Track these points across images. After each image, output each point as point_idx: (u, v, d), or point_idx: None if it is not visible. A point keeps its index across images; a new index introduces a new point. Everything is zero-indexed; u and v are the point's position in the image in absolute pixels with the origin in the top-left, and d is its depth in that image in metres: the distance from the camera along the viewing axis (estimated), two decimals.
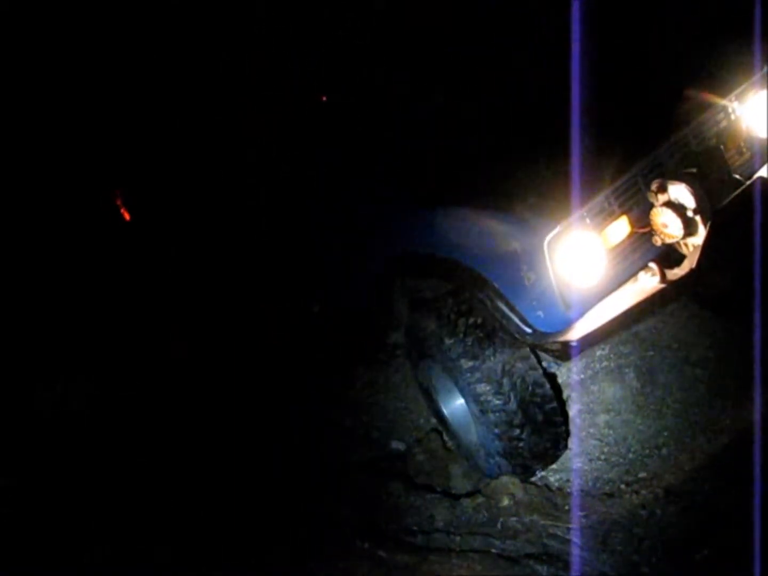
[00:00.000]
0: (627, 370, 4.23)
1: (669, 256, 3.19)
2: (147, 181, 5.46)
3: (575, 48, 3.43)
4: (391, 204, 3.66)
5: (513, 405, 3.42)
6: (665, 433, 3.76)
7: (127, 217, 5.60)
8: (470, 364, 3.42)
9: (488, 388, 3.41)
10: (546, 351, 3.29)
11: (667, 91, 3.43)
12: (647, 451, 3.71)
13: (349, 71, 4.10)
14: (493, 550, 3.34)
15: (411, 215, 3.52)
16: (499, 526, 3.50)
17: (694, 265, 3.09)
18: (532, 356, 3.47)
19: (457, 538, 3.47)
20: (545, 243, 3.01)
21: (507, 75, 3.82)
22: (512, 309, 3.19)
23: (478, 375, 3.41)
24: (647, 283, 3.18)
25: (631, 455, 3.73)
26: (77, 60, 5.50)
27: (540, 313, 3.13)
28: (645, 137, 3.29)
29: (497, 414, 3.44)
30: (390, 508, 3.79)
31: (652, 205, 3.11)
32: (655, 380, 4.11)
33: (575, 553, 3.23)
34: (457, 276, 3.38)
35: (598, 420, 4.00)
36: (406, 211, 3.56)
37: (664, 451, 3.68)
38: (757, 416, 3.57)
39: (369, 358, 4.81)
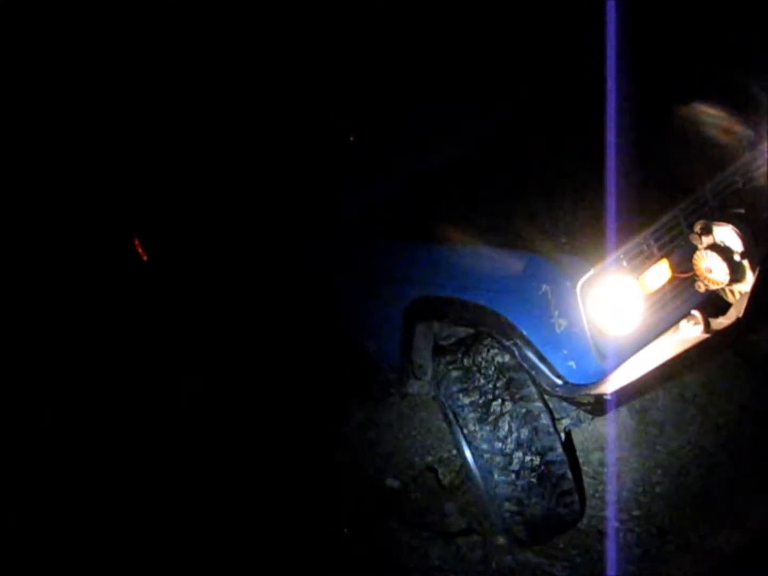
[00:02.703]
0: (620, 408, 4.00)
1: (713, 303, 2.94)
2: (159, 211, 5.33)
3: (612, 71, 3.23)
4: (412, 243, 3.44)
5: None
6: (659, 471, 3.70)
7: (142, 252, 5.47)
8: (514, 508, 3.18)
9: (522, 528, 3.24)
10: (578, 405, 3.03)
11: (713, 124, 3.21)
12: (641, 489, 3.64)
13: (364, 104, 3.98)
14: None
15: (433, 256, 3.31)
16: (494, 564, 3.49)
17: (741, 314, 2.82)
18: (576, 497, 3.22)
19: None
20: (578, 287, 2.78)
21: (534, 102, 3.62)
22: (542, 358, 2.93)
23: (518, 518, 3.20)
24: (689, 332, 2.92)
25: (625, 493, 3.65)
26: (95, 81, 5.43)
27: (572, 363, 2.87)
28: (688, 174, 3.06)
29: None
30: (385, 546, 3.77)
31: (695, 248, 2.86)
32: (649, 418, 4.04)
33: None
34: (483, 322, 3.13)
35: (592, 458, 3.92)
36: (427, 252, 3.34)
37: (657, 489, 3.62)
38: (751, 454, 3.56)
39: (364, 395, 4.75)
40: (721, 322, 2.89)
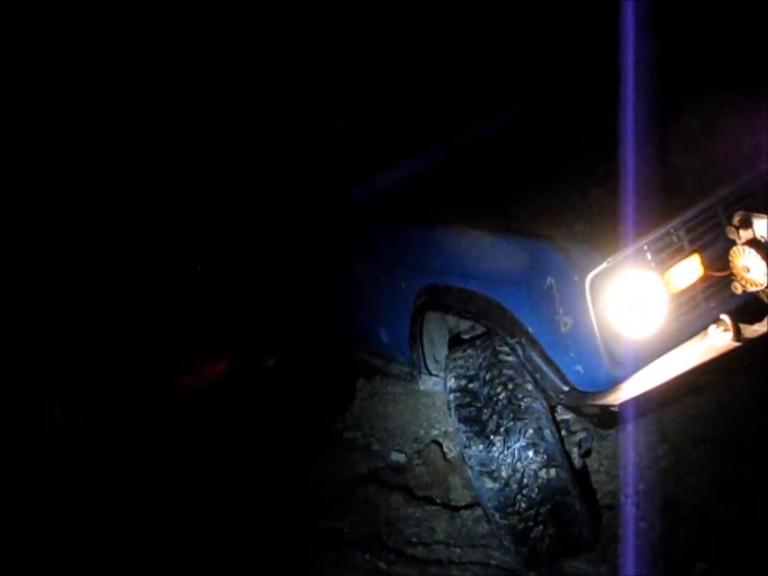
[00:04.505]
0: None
1: (748, 307, 2.56)
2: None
3: (630, 59, 2.91)
4: (415, 227, 3.18)
5: None
6: (664, 446, 3.54)
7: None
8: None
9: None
10: (584, 416, 2.67)
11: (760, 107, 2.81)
12: (646, 463, 3.49)
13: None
14: (493, 562, 3.29)
15: (435, 240, 3.03)
16: (499, 538, 3.31)
17: None
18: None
19: (457, 550, 3.43)
20: (587, 280, 2.43)
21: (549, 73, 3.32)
22: (547, 361, 2.60)
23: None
24: (717, 339, 2.54)
25: (629, 467, 3.52)
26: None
27: (579, 367, 2.54)
28: (731, 159, 2.69)
29: None
30: (390, 520, 3.76)
31: (732, 243, 2.50)
32: None
33: (574, 564, 3.08)
34: (487, 316, 2.80)
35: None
36: (430, 236, 3.07)
37: (663, 463, 3.47)
38: (756, 428, 3.37)
39: (368, 370, 4.66)
40: (756, 330, 2.51)
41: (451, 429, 4.13)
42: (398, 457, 4.22)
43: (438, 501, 3.78)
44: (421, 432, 4.37)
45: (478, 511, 3.55)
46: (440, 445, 4.16)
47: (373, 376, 4.85)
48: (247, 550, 3.78)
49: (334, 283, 3.97)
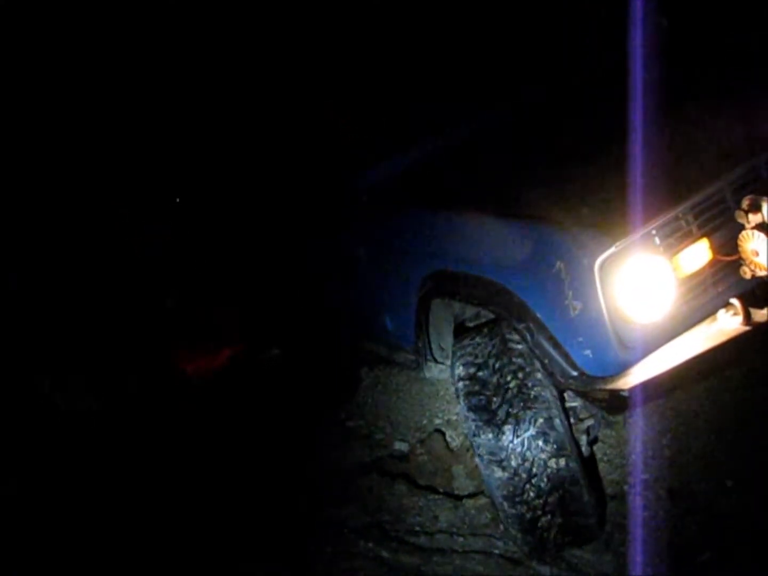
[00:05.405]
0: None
1: (757, 291, 2.56)
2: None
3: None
4: (424, 214, 3.15)
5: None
6: (668, 435, 3.56)
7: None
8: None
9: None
10: (593, 400, 2.67)
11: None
12: (650, 453, 3.51)
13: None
14: (496, 551, 3.29)
15: (443, 226, 3.02)
16: (501, 527, 3.33)
17: None
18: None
19: (460, 539, 3.42)
20: (596, 264, 2.42)
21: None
22: (556, 345, 2.59)
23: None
24: (726, 324, 2.53)
25: (633, 456, 3.55)
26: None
27: (588, 352, 2.52)
28: (739, 141, 2.67)
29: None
30: (393, 509, 3.75)
31: (741, 227, 2.48)
32: None
33: (577, 554, 3.09)
34: (494, 301, 2.79)
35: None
36: (438, 221, 3.05)
37: (666, 452, 3.49)
38: (759, 417, 3.41)
39: (372, 359, 4.66)
40: (765, 314, 2.50)
41: (454, 418, 4.17)
42: (401, 446, 4.21)
43: (441, 490, 3.78)
44: (425, 421, 4.38)
45: (482, 500, 3.56)
46: (443, 434, 4.16)
47: (376, 365, 4.84)
48: (248, 538, 3.77)
49: (338, 272, 3.94)
